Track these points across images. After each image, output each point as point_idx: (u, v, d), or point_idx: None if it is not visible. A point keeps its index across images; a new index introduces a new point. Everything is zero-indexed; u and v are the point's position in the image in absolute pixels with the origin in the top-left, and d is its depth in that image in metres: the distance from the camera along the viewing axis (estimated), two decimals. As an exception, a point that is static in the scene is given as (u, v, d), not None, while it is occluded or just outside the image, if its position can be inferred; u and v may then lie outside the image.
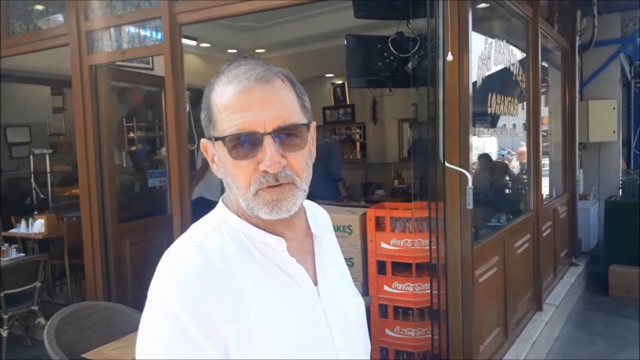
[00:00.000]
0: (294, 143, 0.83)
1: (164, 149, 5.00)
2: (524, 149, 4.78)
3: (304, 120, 0.86)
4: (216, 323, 0.77)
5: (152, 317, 0.79)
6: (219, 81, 0.85)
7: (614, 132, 6.15)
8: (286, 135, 0.82)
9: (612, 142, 6.28)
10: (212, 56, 7.16)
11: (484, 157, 5.13)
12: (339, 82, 8.04)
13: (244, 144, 0.81)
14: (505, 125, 4.14)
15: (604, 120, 6.12)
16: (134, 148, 6.00)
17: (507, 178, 5.53)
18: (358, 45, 3.32)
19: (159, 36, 3.66)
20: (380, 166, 7.53)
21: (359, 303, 1.01)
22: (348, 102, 8.03)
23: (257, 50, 8.12)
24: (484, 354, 3.05)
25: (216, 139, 0.84)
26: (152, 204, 5.25)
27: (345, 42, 3.38)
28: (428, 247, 2.63)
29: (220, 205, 0.93)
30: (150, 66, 5.60)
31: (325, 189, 5.83)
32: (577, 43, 5.78)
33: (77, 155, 4.03)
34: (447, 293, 2.58)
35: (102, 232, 4.00)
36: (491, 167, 5.18)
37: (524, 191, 4.37)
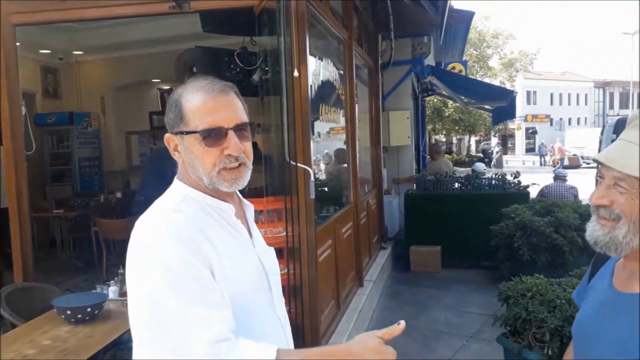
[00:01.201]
0: (245, 136, 1.19)
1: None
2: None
3: (249, 120, 1.22)
4: (206, 255, 1.08)
5: (155, 265, 1.05)
6: (186, 91, 1.18)
7: (408, 137, 7.45)
8: (240, 130, 1.18)
9: (407, 146, 7.60)
10: (23, 56, 6.56)
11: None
12: (167, 87, 8.06)
13: (214, 135, 1.14)
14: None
15: (401, 127, 7.37)
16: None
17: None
18: (206, 56, 3.62)
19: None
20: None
21: (273, 252, 1.40)
22: (177, 108, 8.06)
23: (75, 52, 7.68)
24: (324, 323, 3.62)
25: (187, 132, 1.16)
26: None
27: (195, 53, 3.65)
28: (281, 235, 3.08)
29: (178, 184, 1.23)
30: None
31: (159, 192, 5.89)
32: (380, 62, 6.89)
33: None
34: (300, 272, 3.06)
35: None
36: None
37: (346, 186, 5.14)
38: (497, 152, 27.12)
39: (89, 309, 2.65)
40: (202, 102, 1.15)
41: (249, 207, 1.33)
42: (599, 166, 1.16)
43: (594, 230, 1.15)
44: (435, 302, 5.38)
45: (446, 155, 16.16)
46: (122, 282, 3.17)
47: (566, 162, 27.60)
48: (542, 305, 3.18)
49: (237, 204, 1.28)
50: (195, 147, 1.16)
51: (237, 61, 3.58)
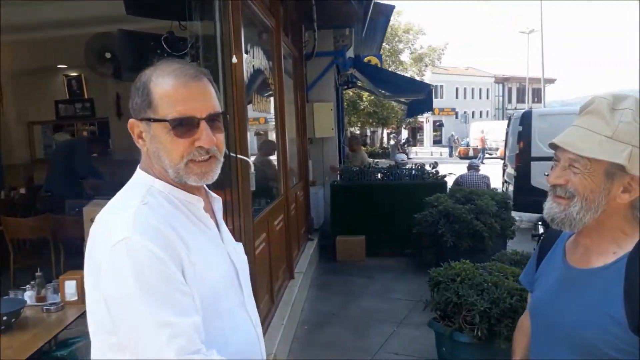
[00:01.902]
0: (218, 126, 1.10)
1: None
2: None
3: (221, 110, 1.13)
4: (178, 253, 0.99)
5: (126, 262, 0.94)
6: (156, 74, 1.06)
7: (332, 129, 7.50)
8: (213, 120, 1.08)
9: (331, 137, 7.65)
10: None
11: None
12: (74, 74, 7.47)
13: (185, 125, 1.04)
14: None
15: (325, 119, 7.40)
16: None
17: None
18: (130, 40, 3.36)
19: None
20: (128, 163, 7.32)
21: (242, 248, 1.32)
22: (86, 96, 7.53)
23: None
24: (260, 317, 3.53)
25: (155, 120, 1.04)
26: None
27: (118, 37, 3.38)
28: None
29: (141, 174, 1.12)
30: None
31: (68, 187, 5.50)
32: (304, 53, 6.85)
33: None
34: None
35: None
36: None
37: (276, 178, 5.07)
38: (394, 144, 28.15)
39: (4, 318, 2.38)
40: (173, 88, 1.04)
41: (217, 200, 1.25)
42: (555, 150, 1.24)
43: (551, 208, 1.24)
44: (363, 291, 5.49)
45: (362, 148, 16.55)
46: (40, 286, 2.90)
47: (471, 153, 29.40)
48: (471, 289, 3.34)
49: (204, 197, 1.19)
50: (163, 137, 1.05)
51: (165, 46, 3.37)
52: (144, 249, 0.95)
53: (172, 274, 0.97)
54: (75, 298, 2.83)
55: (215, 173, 1.11)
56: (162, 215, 1.03)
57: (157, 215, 1.02)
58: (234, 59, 2.76)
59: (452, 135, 37.84)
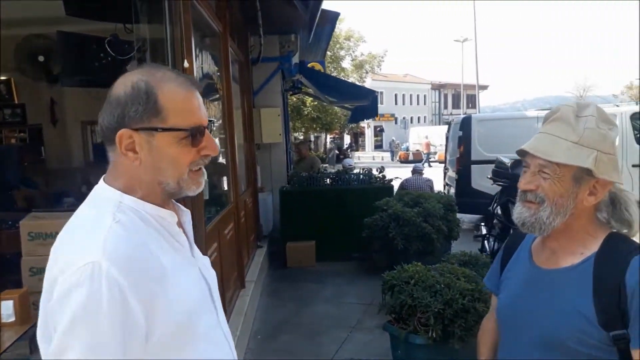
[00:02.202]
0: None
1: None
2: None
3: None
4: (150, 288, 0.91)
5: (84, 288, 0.86)
6: (159, 82, 1.00)
7: (280, 134, 7.45)
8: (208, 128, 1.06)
9: (279, 143, 7.60)
10: None
11: None
12: (3, 77, 6.98)
13: (199, 134, 1.01)
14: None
15: (272, 124, 7.34)
16: None
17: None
18: (70, 43, 3.18)
19: None
20: (64, 172, 6.94)
21: (209, 261, 1.26)
22: (17, 102, 7.06)
23: None
24: (214, 329, 3.43)
25: (166, 129, 0.99)
26: None
27: (57, 39, 3.19)
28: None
29: (107, 189, 1.03)
30: None
31: (-4, 198, 5.14)
32: (250, 58, 6.77)
33: None
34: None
35: None
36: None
37: (223, 185, 4.95)
38: (329, 149, 28.48)
39: None
40: (185, 96, 1.01)
41: (186, 213, 1.18)
42: (524, 156, 1.28)
43: (521, 213, 1.28)
44: (315, 297, 5.47)
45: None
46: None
47: (411, 157, 30.21)
48: (425, 291, 3.40)
49: (175, 211, 1.13)
50: (171, 147, 1.00)
51: (109, 50, 3.21)
52: (111, 280, 0.87)
53: (129, 323, 0.88)
54: (13, 319, 2.62)
55: (204, 182, 1.10)
56: (136, 236, 0.96)
57: (131, 236, 0.94)
58: (186, 63, 2.66)
59: (393, 140, 38.77)
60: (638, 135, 7.97)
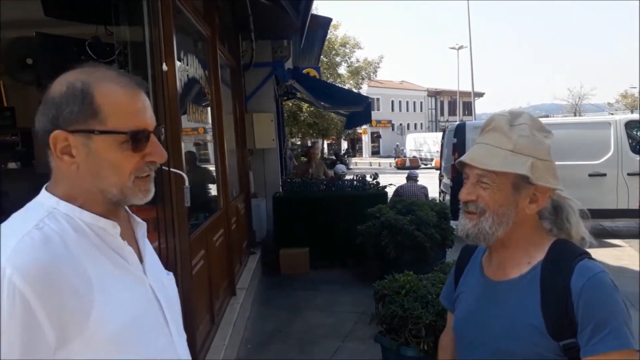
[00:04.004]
0: (159, 140, 0.98)
1: None
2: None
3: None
4: (62, 303, 0.82)
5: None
6: (99, 80, 0.91)
7: (273, 140, 7.37)
8: (156, 133, 0.97)
9: (273, 149, 7.52)
10: None
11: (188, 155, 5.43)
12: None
13: (141, 138, 0.92)
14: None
15: (265, 130, 7.26)
16: None
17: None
18: (49, 45, 3.10)
19: None
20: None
21: (172, 279, 1.16)
22: (6, 105, 6.96)
23: None
24: (199, 339, 3.32)
25: (104, 132, 0.90)
26: None
27: (36, 41, 3.10)
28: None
29: (46, 195, 0.95)
30: None
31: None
32: (242, 63, 6.69)
33: None
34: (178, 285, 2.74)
35: None
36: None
37: (210, 191, 4.86)
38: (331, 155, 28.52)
39: None
40: (126, 97, 0.93)
41: (141, 226, 1.09)
42: (464, 167, 1.30)
43: (464, 224, 1.28)
44: (307, 305, 5.36)
45: (302, 158, 16.52)
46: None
47: (407, 164, 30.20)
48: (417, 302, 3.30)
49: (124, 221, 1.04)
50: (111, 151, 0.92)
51: (89, 52, 3.13)
52: (13, 289, 0.78)
53: (31, 338, 0.80)
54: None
55: (153, 190, 1.00)
56: (59, 246, 0.86)
57: (50, 246, 0.85)
58: (165, 67, 2.58)
59: (397, 145, 38.89)
60: (633, 144, 7.92)
